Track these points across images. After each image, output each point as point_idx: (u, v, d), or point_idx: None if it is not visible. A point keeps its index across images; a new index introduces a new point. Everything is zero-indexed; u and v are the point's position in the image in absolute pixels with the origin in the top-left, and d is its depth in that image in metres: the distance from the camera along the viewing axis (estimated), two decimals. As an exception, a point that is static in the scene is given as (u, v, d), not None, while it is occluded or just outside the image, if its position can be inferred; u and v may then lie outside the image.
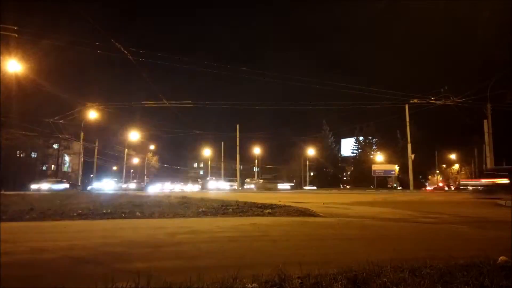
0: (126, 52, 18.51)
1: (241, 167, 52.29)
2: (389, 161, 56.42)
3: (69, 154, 57.36)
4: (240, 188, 45.06)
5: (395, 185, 55.90)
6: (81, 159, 44.42)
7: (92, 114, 35.36)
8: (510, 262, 2.47)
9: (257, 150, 61.60)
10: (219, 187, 44.66)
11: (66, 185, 35.17)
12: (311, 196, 17.06)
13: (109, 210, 6.50)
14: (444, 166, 70.62)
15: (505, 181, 20.20)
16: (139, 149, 64.92)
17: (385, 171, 54.33)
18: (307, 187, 57.64)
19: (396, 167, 55.01)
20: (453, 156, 66.69)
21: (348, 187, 58.54)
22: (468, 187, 27.65)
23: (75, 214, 6.06)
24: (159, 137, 60.63)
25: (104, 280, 1.98)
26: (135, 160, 66.90)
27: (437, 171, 67.44)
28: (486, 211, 9.08)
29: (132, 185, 44.90)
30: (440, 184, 59.23)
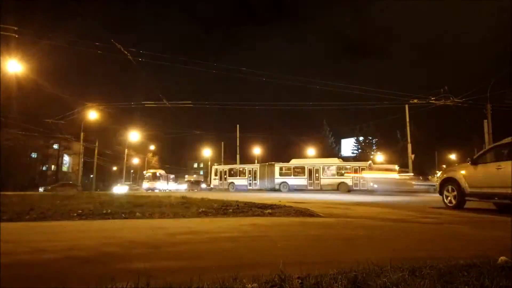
0: (126, 52, 18.49)
1: (241, 167, 52.18)
2: (389, 161, 56.37)
3: (69, 155, 57.37)
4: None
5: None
6: (81, 160, 44.41)
7: (92, 114, 35.36)
8: (510, 262, 2.46)
9: (257, 150, 61.56)
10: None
11: None
12: (311, 197, 17.06)
13: (109, 211, 6.50)
14: (444, 166, 70.61)
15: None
16: (139, 149, 64.92)
17: (385, 171, 54.31)
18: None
19: (396, 167, 54.98)
20: (453, 156, 66.68)
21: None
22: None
23: (75, 214, 6.06)
24: (159, 137, 60.74)
25: (104, 280, 1.98)
26: (135, 161, 66.88)
27: (437, 171, 67.44)
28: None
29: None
30: None
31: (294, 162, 32.39)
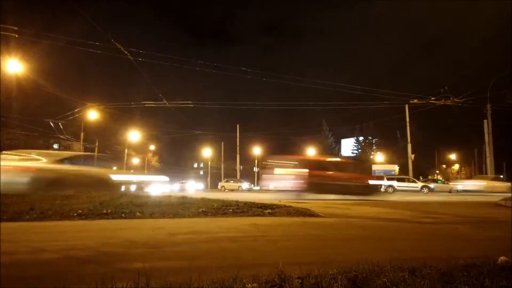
0: (126, 52, 18.53)
1: (241, 167, 52.31)
2: (389, 161, 56.39)
3: (69, 154, 57.33)
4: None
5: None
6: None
7: (92, 114, 35.37)
8: (510, 262, 2.47)
9: (257, 150, 61.61)
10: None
11: None
12: (312, 197, 17.05)
13: (109, 210, 6.49)
14: (444, 166, 70.67)
15: None
16: (139, 149, 64.98)
17: (385, 171, 54.27)
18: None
19: (396, 167, 55.02)
20: (453, 156, 66.77)
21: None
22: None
23: (75, 214, 6.05)
24: (159, 137, 60.80)
25: (104, 280, 1.98)
26: (135, 160, 66.96)
27: (437, 171, 67.47)
28: (486, 211, 9.07)
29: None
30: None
31: None
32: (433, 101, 28.79)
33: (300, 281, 2.04)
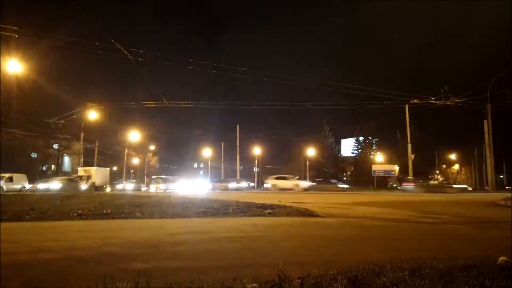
0: (126, 52, 18.52)
1: (241, 167, 52.31)
2: (389, 161, 56.35)
3: (69, 155, 57.39)
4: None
5: (395, 185, 55.85)
6: (81, 160, 44.39)
7: (92, 114, 35.36)
8: (510, 262, 2.47)
9: (257, 150, 61.63)
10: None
11: None
12: (311, 197, 17.05)
13: (109, 211, 6.50)
14: (444, 166, 70.69)
15: None
16: (139, 149, 64.99)
17: (385, 171, 54.26)
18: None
19: (396, 167, 54.99)
20: (453, 156, 66.78)
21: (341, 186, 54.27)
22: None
23: (75, 214, 6.06)
24: (159, 137, 60.84)
25: (104, 280, 1.98)
26: (135, 161, 66.97)
27: (437, 171, 67.49)
28: (486, 211, 9.08)
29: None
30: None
31: None
32: (433, 101, 28.78)
33: (300, 281, 2.04)
